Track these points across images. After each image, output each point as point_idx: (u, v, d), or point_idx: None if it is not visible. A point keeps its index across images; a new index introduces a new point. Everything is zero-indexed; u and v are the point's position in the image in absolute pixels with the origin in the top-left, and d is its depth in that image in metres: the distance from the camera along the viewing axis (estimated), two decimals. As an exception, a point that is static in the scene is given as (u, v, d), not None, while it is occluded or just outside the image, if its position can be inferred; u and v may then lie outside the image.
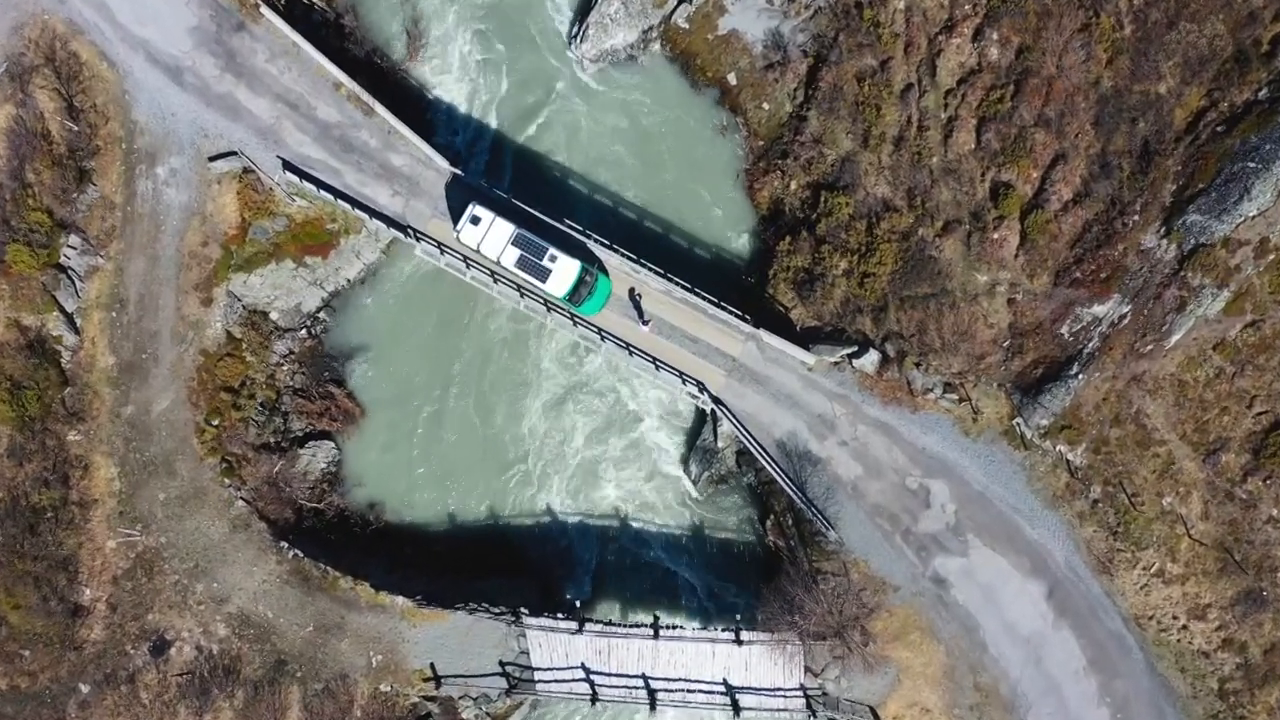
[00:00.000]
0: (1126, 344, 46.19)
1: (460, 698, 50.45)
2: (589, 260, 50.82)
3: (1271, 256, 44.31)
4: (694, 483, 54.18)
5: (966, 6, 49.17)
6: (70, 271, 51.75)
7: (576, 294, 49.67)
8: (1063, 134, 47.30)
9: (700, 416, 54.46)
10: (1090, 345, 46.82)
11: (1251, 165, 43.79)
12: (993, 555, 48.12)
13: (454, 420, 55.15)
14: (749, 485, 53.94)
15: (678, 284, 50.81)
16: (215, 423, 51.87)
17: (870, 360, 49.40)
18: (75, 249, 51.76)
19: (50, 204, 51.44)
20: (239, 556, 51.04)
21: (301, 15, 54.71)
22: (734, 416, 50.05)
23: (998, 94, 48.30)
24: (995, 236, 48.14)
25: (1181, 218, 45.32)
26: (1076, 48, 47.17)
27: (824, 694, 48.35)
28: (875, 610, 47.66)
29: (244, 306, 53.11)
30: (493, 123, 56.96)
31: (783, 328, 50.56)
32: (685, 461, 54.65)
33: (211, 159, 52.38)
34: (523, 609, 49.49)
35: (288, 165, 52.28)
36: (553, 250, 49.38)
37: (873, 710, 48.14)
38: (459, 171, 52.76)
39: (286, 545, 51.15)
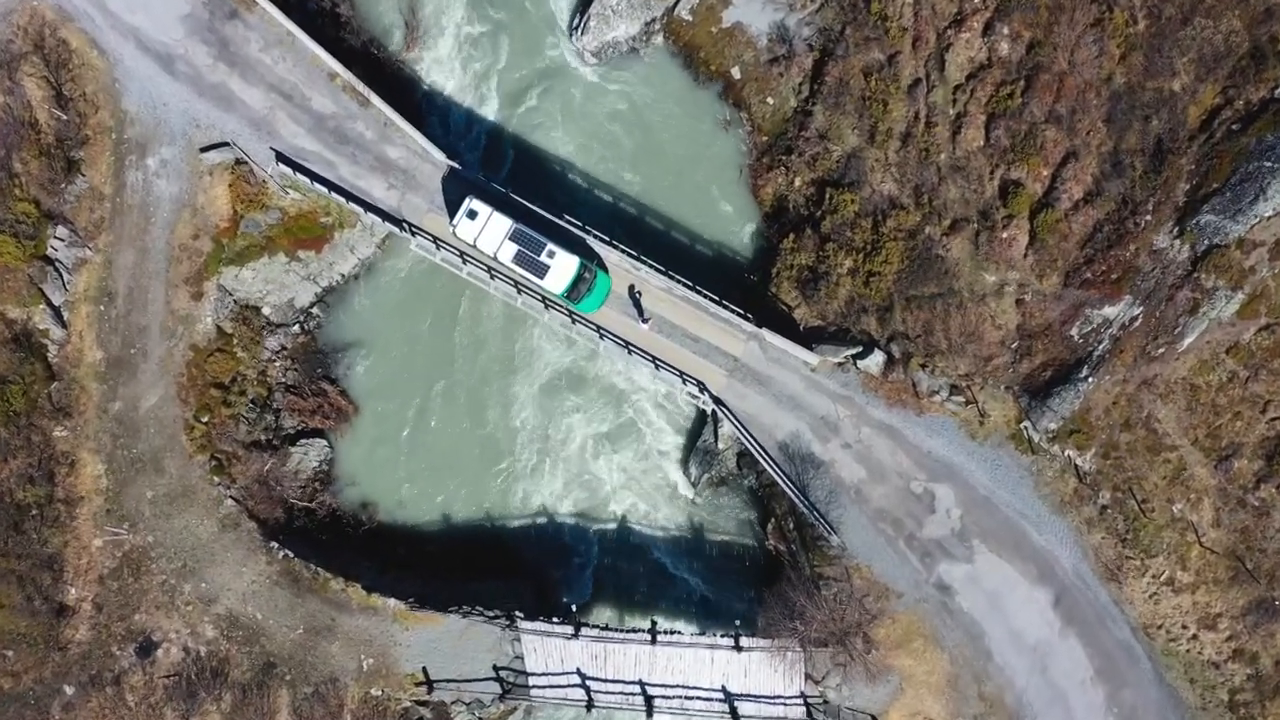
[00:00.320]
0: (1137, 347, 45.73)
1: (453, 703, 50.26)
2: (588, 256, 50.42)
3: (1287, 258, 43.82)
4: (694, 485, 53.85)
5: (976, 0, 48.55)
6: (58, 264, 51.11)
7: (575, 291, 49.14)
8: (1074, 131, 46.85)
9: (701, 417, 54.07)
10: (1100, 348, 46.29)
11: (1267, 165, 43.25)
12: (998, 561, 47.85)
13: (449, 419, 54.74)
14: (750, 488, 53.54)
15: (679, 281, 50.39)
16: (205, 419, 51.36)
17: (875, 361, 49.02)
18: (63, 241, 51.09)
19: (37, 194, 50.83)
20: (228, 556, 50.56)
21: (296, 3, 54.11)
22: (735, 418, 49.62)
23: (1008, 90, 47.80)
24: (1004, 236, 47.67)
25: (1195, 218, 44.75)
26: (1089, 43, 46.66)
27: (825, 702, 48.14)
28: (878, 617, 47.42)
29: (235, 301, 52.60)
30: (491, 116, 56.40)
31: (786, 327, 50.20)
32: (685, 463, 54.32)
33: (203, 150, 51.84)
34: (518, 612, 49.28)
35: (281, 157, 51.71)
36: (551, 246, 48.96)
37: (875, 719, 47.66)
38: (456, 165, 52.34)
39: (277, 545, 50.70)
